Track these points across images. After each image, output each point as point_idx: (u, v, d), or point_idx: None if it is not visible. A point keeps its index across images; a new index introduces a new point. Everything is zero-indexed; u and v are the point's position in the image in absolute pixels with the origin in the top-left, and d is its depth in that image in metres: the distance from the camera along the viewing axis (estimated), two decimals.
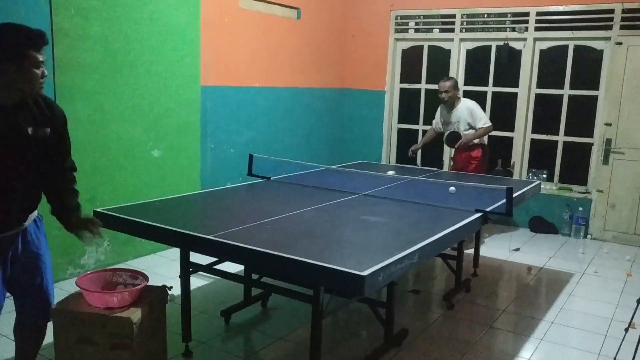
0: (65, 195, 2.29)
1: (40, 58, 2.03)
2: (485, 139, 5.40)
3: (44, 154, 2.17)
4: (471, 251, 4.45)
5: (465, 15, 6.20)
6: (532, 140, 6.06)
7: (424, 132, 6.61)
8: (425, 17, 6.51)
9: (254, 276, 3.36)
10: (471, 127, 5.15)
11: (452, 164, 5.68)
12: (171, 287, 2.74)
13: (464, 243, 4.05)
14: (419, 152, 5.99)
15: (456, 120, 5.18)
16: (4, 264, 2.16)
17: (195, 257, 2.91)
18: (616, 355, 2.82)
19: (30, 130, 2.07)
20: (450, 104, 5.19)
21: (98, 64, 4.05)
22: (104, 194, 4.16)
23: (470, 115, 5.12)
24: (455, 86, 5.18)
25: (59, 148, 2.24)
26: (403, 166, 5.61)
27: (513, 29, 5.96)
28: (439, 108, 5.40)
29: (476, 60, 6.28)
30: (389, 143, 6.86)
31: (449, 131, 5.24)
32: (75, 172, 2.35)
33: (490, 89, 6.19)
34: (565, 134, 5.88)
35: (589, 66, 5.70)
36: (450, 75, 6.26)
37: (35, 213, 2.26)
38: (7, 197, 2.09)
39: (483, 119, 5.15)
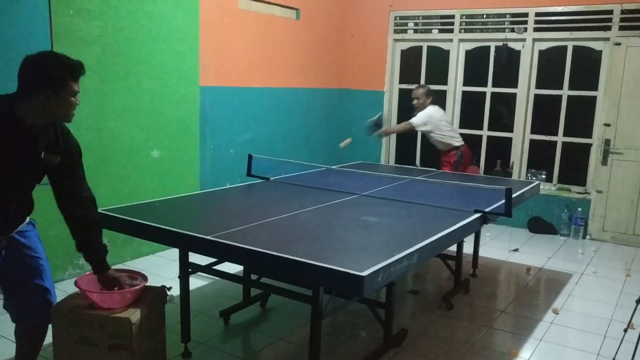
0: (90, 230, 2.33)
1: (77, 88, 2.12)
2: (452, 141, 5.29)
3: (54, 179, 2.24)
4: (470, 251, 4.45)
5: (464, 16, 6.21)
6: (531, 141, 6.07)
7: (423, 132, 6.61)
8: (424, 17, 6.52)
9: (253, 277, 3.36)
10: (430, 132, 5.22)
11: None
12: (170, 288, 2.73)
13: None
14: (418, 154, 5.97)
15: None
16: None
17: (195, 258, 2.91)
18: (615, 356, 2.82)
19: (43, 154, 2.14)
20: (422, 110, 5.25)
21: (97, 64, 4.05)
22: (103, 194, 4.14)
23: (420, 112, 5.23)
24: (426, 94, 5.27)
25: (72, 177, 2.28)
26: (403, 166, 5.61)
27: (512, 30, 5.96)
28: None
29: (475, 60, 6.29)
30: (388, 143, 6.86)
31: (376, 116, 5.39)
32: (95, 202, 2.38)
33: (489, 89, 6.19)
34: (564, 135, 5.88)
35: (588, 67, 5.70)
36: (449, 75, 6.28)
37: (27, 221, 2.29)
38: (2, 206, 2.14)
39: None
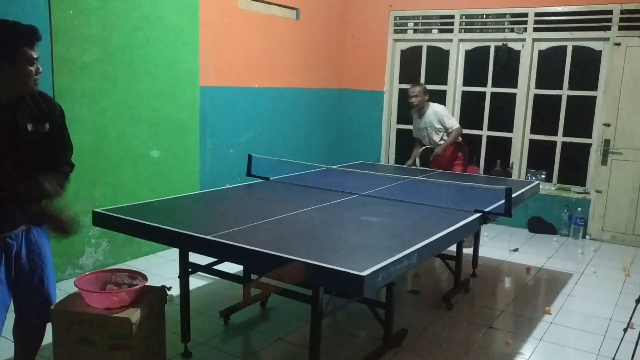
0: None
1: (34, 55, 2.03)
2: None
3: (45, 151, 2.16)
4: (470, 251, 4.45)
5: (464, 16, 6.21)
6: (531, 141, 6.07)
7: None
8: (424, 17, 6.52)
9: (253, 276, 3.36)
10: (443, 131, 5.15)
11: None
12: (170, 288, 2.73)
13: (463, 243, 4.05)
14: (417, 160, 5.95)
15: (425, 127, 5.20)
16: (8, 265, 2.16)
17: (194, 258, 2.91)
18: (615, 356, 2.82)
19: (29, 127, 2.07)
20: (420, 109, 5.20)
21: (97, 64, 4.04)
22: (103, 194, 4.15)
23: (437, 120, 5.13)
24: (424, 92, 5.19)
25: (57, 142, 2.22)
26: (402, 166, 5.61)
27: (512, 30, 5.97)
28: (413, 116, 5.38)
29: (475, 60, 6.29)
30: (387, 143, 6.86)
31: (422, 150, 5.28)
32: (73, 168, 2.31)
33: (489, 89, 6.19)
34: (564, 135, 5.89)
35: (587, 67, 5.71)
36: (449, 75, 6.28)
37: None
38: (9, 196, 2.07)
39: (451, 122, 5.14)
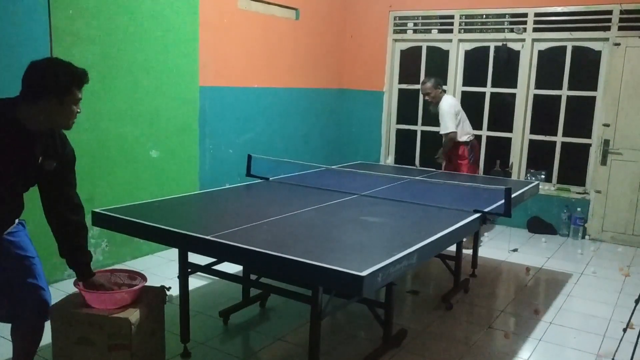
0: (80, 235, 2.35)
1: (80, 96, 2.12)
2: (462, 136, 5.25)
3: (46, 184, 2.24)
4: (470, 251, 4.45)
5: (463, 16, 6.21)
6: (531, 141, 6.07)
7: (423, 132, 6.63)
8: (423, 17, 6.52)
9: (253, 277, 3.36)
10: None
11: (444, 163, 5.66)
12: (170, 288, 2.73)
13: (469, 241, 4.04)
14: (417, 154, 5.98)
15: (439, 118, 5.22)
16: None
17: (194, 258, 2.91)
18: (614, 356, 2.82)
19: (40, 159, 2.15)
20: (436, 104, 5.19)
21: (96, 64, 4.04)
22: (102, 194, 4.15)
23: (440, 116, 5.15)
24: (435, 85, 5.16)
25: (65, 183, 2.29)
26: (402, 166, 5.62)
27: (511, 30, 5.97)
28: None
29: (474, 61, 6.29)
30: (387, 144, 6.86)
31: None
32: (84, 209, 2.39)
33: (488, 89, 6.19)
34: (564, 135, 5.89)
35: (587, 67, 5.71)
36: (448, 76, 6.28)
37: (16, 222, 2.29)
38: None
39: (444, 126, 5.10)
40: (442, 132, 5.15)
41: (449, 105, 5.14)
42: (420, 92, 5.28)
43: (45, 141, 2.16)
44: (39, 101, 2.04)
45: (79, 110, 2.15)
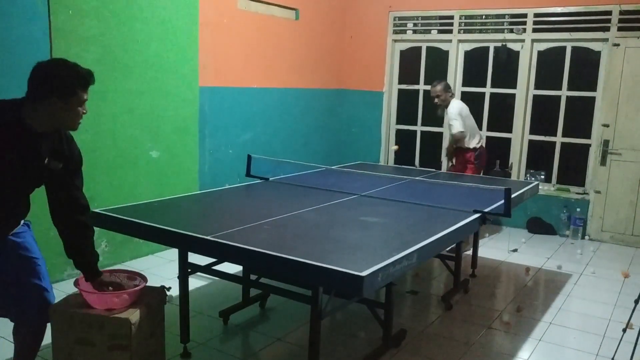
0: (87, 235, 2.35)
1: (85, 97, 2.12)
2: (471, 142, 5.29)
3: (52, 185, 2.24)
4: (470, 252, 4.45)
5: (463, 17, 6.21)
6: (530, 142, 6.07)
7: (422, 133, 6.63)
8: (423, 18, 6.52)
9: (253, 277, 3.36)
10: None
11: (450, 165, 5.68)
12: (169, 288, 2.73)
13: (462, 245, 4.05)
14: (417, 154, 5.98)
15: (446, 123, 5.23)
16: None
17: (194, 258, 2.91)
18: (614, 356, 2.82)
19: (46, 160, 2.15)
20: (445, 106, 5.23)
21: (96, 64, 4.03)
22: (102, 194, 4.15)
23: (448, 118, 5.17)
24: (445, 88, 5.21)
25: (72, 184, 2.28)
26: (402, 167, 5.62)
27: (511, 30, 5.97)
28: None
29: (474, 61, 6.29)
30: (387, 144, 6.86)
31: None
32: (89, 210, 2.39)
33: (488, 90, 6.20)
34: (563, 135, 5.89)
35: (586, 67, 5.71)
36: (448, 76, 6.28)
37: (21, 223, 2.30)
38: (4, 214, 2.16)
39: (454, 125, 5.13)
40: (452, 132, 5.17)
41: (457, 108, 5.20)
42: (430, 94, 5.28)
43: (52, 142, 2.16)
44: (44, 102, 2.04)
45: (85, 111, 2.14)
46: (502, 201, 3.25)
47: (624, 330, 2.81)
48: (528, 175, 6.08)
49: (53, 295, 2.38)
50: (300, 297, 2.65)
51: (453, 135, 5.18)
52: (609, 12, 5.42)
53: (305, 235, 2.72)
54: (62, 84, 2.04)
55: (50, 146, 2.15)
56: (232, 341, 3.32)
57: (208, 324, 3.38)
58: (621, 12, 5.36)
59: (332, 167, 4.89)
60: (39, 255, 2.33)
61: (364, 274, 2.04)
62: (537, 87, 5.96)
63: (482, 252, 4.86)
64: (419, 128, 6.65)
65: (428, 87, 6.38)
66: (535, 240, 5.64)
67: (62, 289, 3.45)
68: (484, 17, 6.16)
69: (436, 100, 5.23)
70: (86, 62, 3.94)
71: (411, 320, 3.59)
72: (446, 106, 5.22)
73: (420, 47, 6.58)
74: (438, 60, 6.44)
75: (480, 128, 6.22)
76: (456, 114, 5.14)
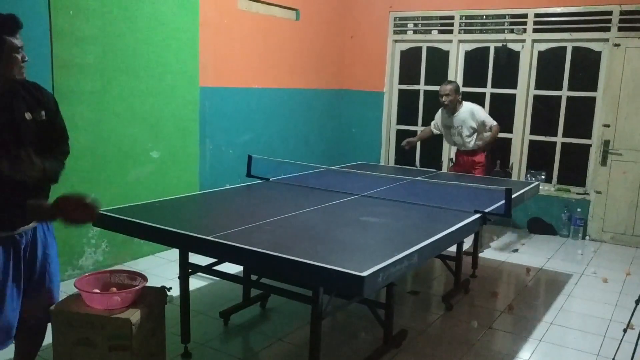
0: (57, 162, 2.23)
1: (17, 43, 2.04)
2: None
3: (43, 139, 2.16)
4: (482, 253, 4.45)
5: (463, 17, 6.21)
6: (531, 142, 6.07)
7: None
8: (423, 18, 6.52)
9: (253, 277, 3.36)
10: (475, 132, 5.11)
11: (451, 165, 5.67)
12: (170, 288, 2.73)
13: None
14: (418, 154, 5.97)
15: (459, 125, 5.12)
16: (17, 262, 2.15)
17: (195, 258, 2.91)
18: (615, 356, 2.82)
19: (27, 115, 2.10)
20: (452, 108, 5.13)
21: (97, 64, 4.04)
22: (103, 194, 4.14)
23: (474, 120, 5.07)
24: (456, 90, 5.11)
25: (55, 130, 2.24)
26: (402, 167, 5.62)
27: (511, 31, 5.97)
28: (440, 111, 5.34)
29: (475, 61, 6.29)
30: (387, 144, 6.86)
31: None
32: (67, 155, 2.32)
33: (488, 90, 6.19)
34: (564, 136, 5.89)
35: (587, 68, 5.71)
36: (449, 76, 6.27)
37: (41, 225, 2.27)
38: (18, 189, 2.02)
39: (492, 121, 5.11)
40: (493, 124, 5.10)
41: (481, 108, 5.20)
42: (440, 92, 5.12)
43: (22, 97, 2.10)
44: None
45: (26, 58, 2.06)
46: (503, 201, 3.24)
47: (625, 331, 2.81)
48: (528, 176, 6.08)
49: (59, 296, 2.38)
50: (300, 298, 2.65)
51: (496, 127, 5.09)
52: (610, 13, 5.42)
53: (306, 235, 2.72)
54: None
55: (24, 102, 2.10)
56: (232, 341, 3.32)
57: (208, 324, 3.38)
58: (622, 13, 5.36)
59: (333, 168, 4.89)
60: (53, 253, 2.32)
61: (364, 274, 2.04)
62: (537, 87, 5.96)
63: (482, 253, 4.86)
64: (419, 128, 6.63)
65: (428, 88, 6.41)
66: (536, 241, 5.64)
67: (63, 289, 3.45)
68: (484, 17, 6.16)
69: (444, 99, 5.10)
70: (86, 62, 3.97)
71: (412, 320, 3.58)
72: (452, 108, 5.15)
73: (420, 48, 6.58)
74: (438, 60, 6.44)
75: None
76: (482, 110, 5.15)
